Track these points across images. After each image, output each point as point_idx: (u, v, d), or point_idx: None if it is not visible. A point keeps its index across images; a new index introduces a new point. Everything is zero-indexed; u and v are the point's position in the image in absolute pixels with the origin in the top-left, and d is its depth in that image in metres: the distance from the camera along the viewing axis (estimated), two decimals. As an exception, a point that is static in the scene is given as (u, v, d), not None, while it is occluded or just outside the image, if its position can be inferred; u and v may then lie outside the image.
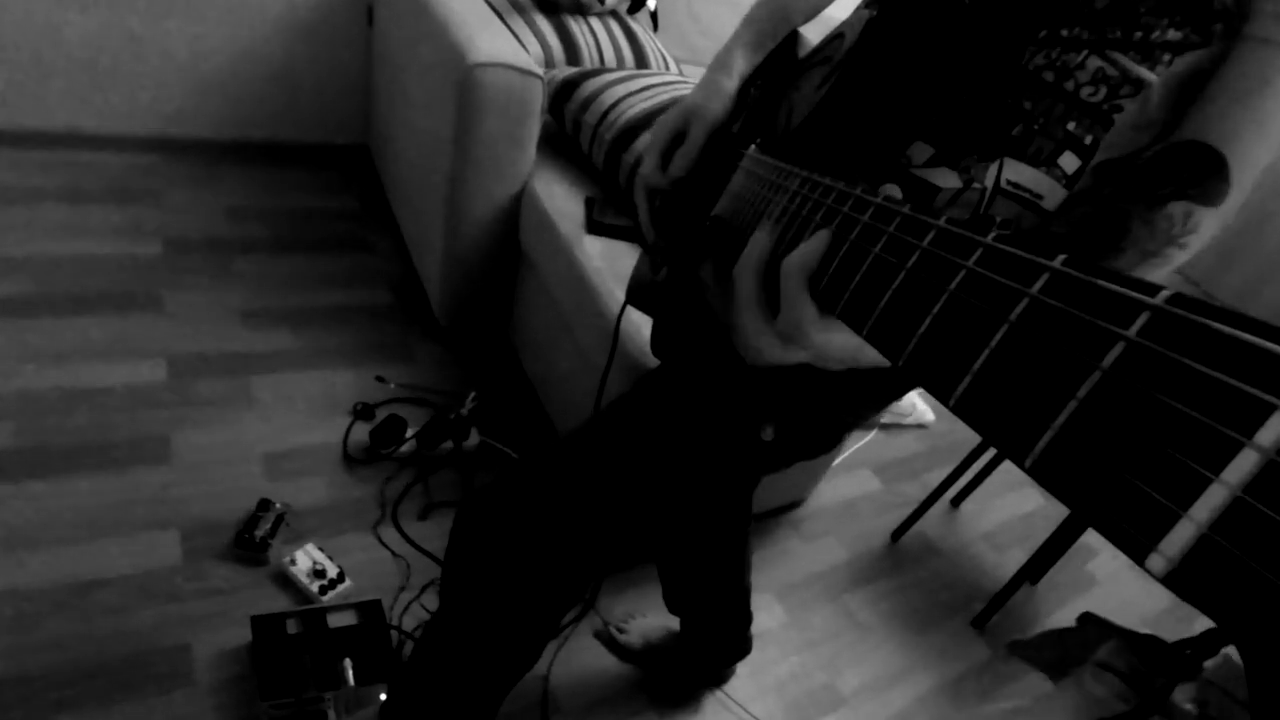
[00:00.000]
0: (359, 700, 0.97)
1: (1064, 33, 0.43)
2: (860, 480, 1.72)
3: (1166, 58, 0.41)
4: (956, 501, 1.75)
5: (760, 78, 0.65)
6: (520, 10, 1.58)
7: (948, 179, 0.47)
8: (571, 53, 1.60)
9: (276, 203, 1.88)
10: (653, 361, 0.78)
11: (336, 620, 1.04)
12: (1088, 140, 0.44)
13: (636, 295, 0.73)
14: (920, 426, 1.95)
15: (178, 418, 1.29)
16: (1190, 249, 0.42)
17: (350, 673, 0.99)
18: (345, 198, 1.98)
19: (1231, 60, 0.40)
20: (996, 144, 0.45)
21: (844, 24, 0.58)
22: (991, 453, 1.64)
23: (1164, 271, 0.42)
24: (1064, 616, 1.58)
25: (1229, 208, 0.41)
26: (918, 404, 1.95)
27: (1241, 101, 0.39)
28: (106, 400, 1.28)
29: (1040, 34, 0.44)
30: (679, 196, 0.65)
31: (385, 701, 0.94)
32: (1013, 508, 1.81)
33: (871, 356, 0.38)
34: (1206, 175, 0.40)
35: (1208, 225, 0.41)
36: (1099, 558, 1.76)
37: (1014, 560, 1.61)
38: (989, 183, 0.46)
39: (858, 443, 1.80)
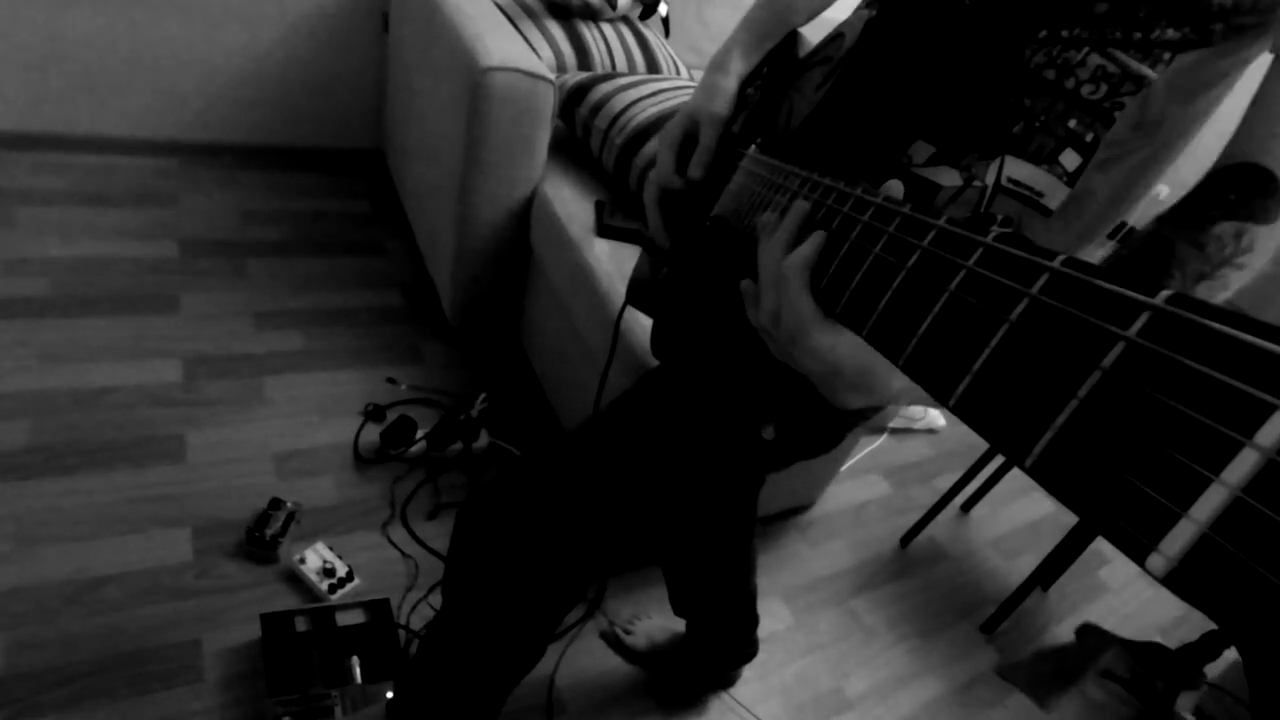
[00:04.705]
0: (365, 697, 0.98)
1: (1064, 33, 0.43)
2: (869, 484, 1.71)
3: (1167, 56, 0.41)
4: (967, 507, 1.74)
5: (759, 78, 0.65)
6: (532, 16, 1.59)
7: (949, 177, 0.46)
8: (583, 58, 1.61)
9: (291, 206, 1.90)
10: (654, 361, 0.78)
11: (345, 618, 1.05)
12: (1089, 138, 0.43)
13: (636, 295, 0.74)
14: (930, 431, 1.94)
15: (191, 417, 1.31)
16: (1250, 268, 0.40)
17: (357, 670, 1.00)
18: (359, 201, 2.00)
19: (1270, 79, 0.40)
20: (997, 142, 0.45)
21: (844, 24, 0.58)
22: (1002, 458, 1.63)
23: (1224, 294, 0.40)
24: (1075, 623, 1.56)
25: None
26: (928, 409, 1.94)
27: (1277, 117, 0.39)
28: (121, 399, 1.30)
29: (1040, 34, 0.44)
30: (688, 199, 0.65)
31: (391, 699, 0.94)
32: (1023, 513, 1.80)
33: (882, 373, 0.37)
34: (1255, 193, 0.39)
35: (1264, 242, 0.40)
36: (1111, 565, 1.74)
37: (1024, 566, 1.60)
38: (990, 180, 0.45)
39: (867, 447, 1.79)
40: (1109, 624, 1.60)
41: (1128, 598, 1.68)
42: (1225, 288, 0.41)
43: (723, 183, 0.60)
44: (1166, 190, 2.02)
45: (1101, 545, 1.68)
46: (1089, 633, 0.92)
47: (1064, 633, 1.53)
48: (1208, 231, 0.40)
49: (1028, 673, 0.95)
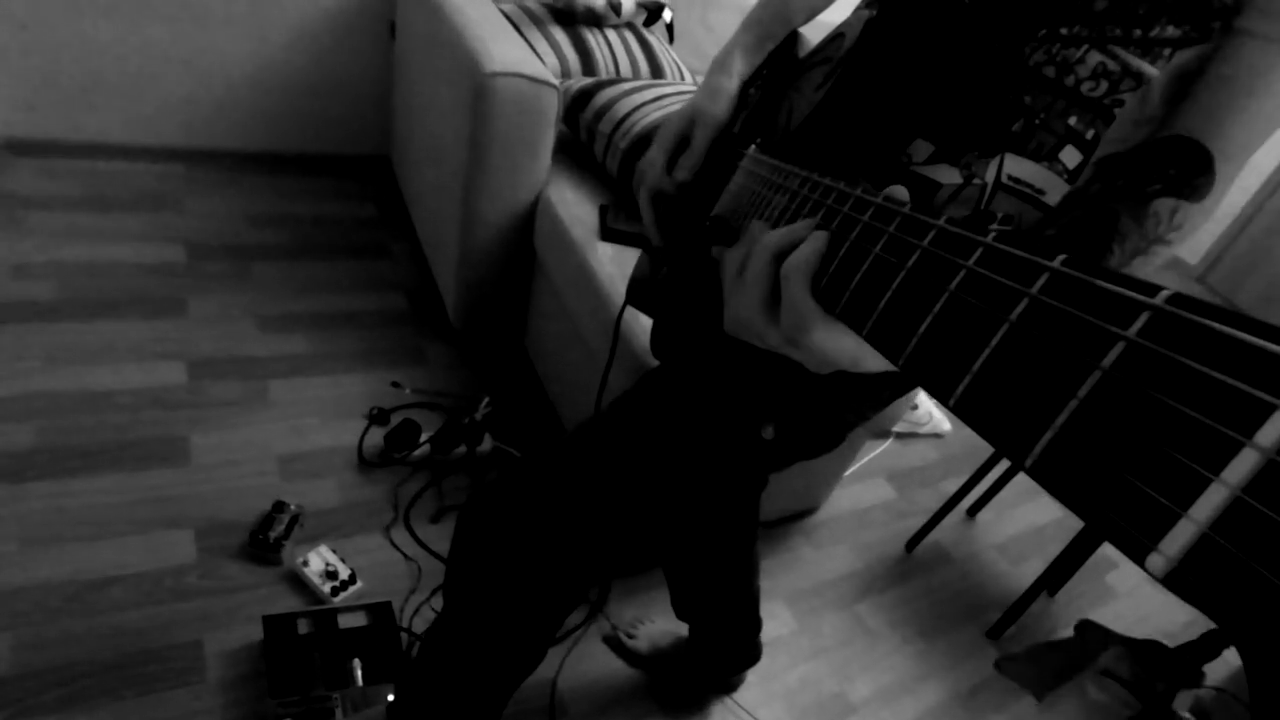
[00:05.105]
0: (366, 699, 0.98)
1: (1063, 31, 0.43)
2: (874, 488, 1.71)
3: (1167, 52, 0.41)
4: (972, 511, 1.73)
5: (760, 78, 0.65)
6: (537, 22, 1.60)
7: (949, 175, 0.46)
8: (587, 64, 1.62)
9: (297, 210, 1.91)
10: (654, 361, 0.78)
11: (347, 621, 1.05)
12: (1089, 135, 0.43)
13: (636, 295, 0.74)
14: (936, 435, 1.93)
15: (196, 419, 1.31)
16: (1175, 245, 0.42)
17: (359, 672, 1.00)
18: (365, 206, 2.01)
19: (1218, 54, 0.40)
20: (997, 140, 0.45)
21: (844, 24, 0.58)
22: (1008, 462, 1.62)
23: (1149, 269, 0.42)
24: (1081, 630, 1.55)
25: (1213, 201, 0.41)
26: (934, 413, 1.93)
27: (1227, 95, 0.39)
28: (126, 402, 1.30)
29: (1040, 33, 0.44)
30: (682, 199, 0.65)
31: (391, 702, 0.94)
32: (1029, 518, 1.79)
33: (873, 363, 0.38)
34: (1193, 171, 0.40)
35: (1193, 221, 0.41)
36: (1118, 570, 1.73)
37: (1030, 571, 1.59)
38: (990, 178, 0.45)
39: (872, 451, 1.78)
40: (1115, 629, 1.59)
41: (1135, 603, 1.67)
42: (1154, 261, 0.42)
43: (723, 183, 0.60)
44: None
45: (1108, 550, 1.67)
46: (1088, 629, 0.92)
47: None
48: (1148, 206, 0.40)
49: (1025, 665, 0.95)
